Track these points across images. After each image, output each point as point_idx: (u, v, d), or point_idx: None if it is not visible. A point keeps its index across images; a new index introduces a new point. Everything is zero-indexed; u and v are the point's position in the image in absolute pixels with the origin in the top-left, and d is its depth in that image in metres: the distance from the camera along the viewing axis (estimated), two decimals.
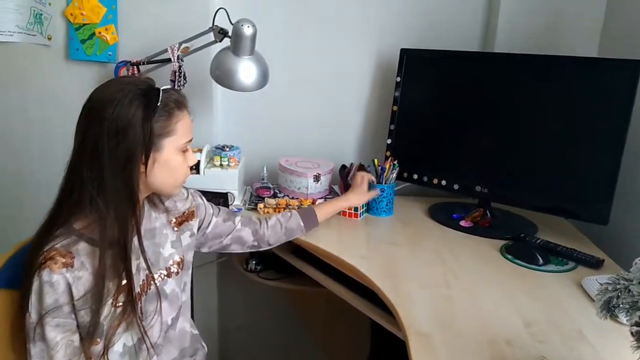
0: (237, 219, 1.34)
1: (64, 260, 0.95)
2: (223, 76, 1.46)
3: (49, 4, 1.72)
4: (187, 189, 1.26)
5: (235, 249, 1.35)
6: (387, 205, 1.63)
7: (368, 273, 1.25)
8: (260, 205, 1.62)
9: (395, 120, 1.73)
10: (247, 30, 1.40)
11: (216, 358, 2.07)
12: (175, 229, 1.19)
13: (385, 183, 1.62)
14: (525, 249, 1.37)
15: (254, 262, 1.74)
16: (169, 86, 1.09)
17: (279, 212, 1.61)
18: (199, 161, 1.63)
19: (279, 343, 2.10)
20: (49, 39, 1.75)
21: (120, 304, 1.02)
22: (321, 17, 1.80)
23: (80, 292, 0.96)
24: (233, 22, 1.44)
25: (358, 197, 1.56)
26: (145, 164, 0.99)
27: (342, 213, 1.58)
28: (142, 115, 0.96)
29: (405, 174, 1.71)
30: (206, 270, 1.93)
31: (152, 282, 1.10)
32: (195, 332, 1.29)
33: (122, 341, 1.06)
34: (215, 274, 1.97)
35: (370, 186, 1.59)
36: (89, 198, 0.97)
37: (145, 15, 1.71)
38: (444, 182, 1.64)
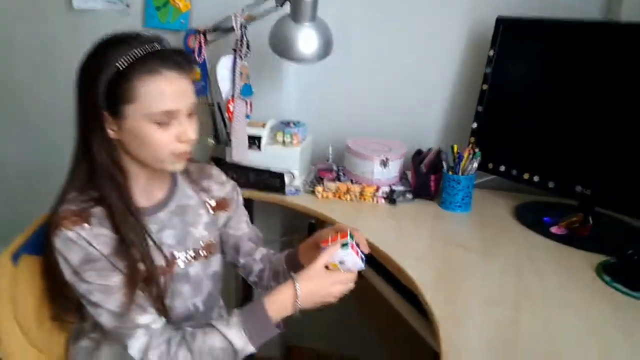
0: (260, 250, 1.18)
1: (77, 218, 0.89)
2: (280, 45, 1.32)
3: None
4: (229, 179, 1.17)
5: (241, 272, 1.20)
6: (463, 199, 1.40)
7: (418, 278, 1.06)
8: (319, 188, 1.48)
9: (483, 101, 1.47)
10: None
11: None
12: (211, 211, 1.10)
13: (462, 174, 1.39)
14: (630, 270, 1.07)
15: None
16: (163, 47, 0.92)
17: (339, 197, 1.46)
18: (255, 137, 1.53)
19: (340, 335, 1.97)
20: (127, 6, 1.74)
21: (141, 271, 0.93)
22: None
23: (108, 249, 0.90)
24: None
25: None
26: (110, 128, 0.91)
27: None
28: (102, 75, 0.87)
29: (491, 165, 1.45)
30: None
31: (175, 262, 1.02)
32: None
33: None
34: None
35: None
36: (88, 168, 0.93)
37: None
38: (536, 178, 1.36)
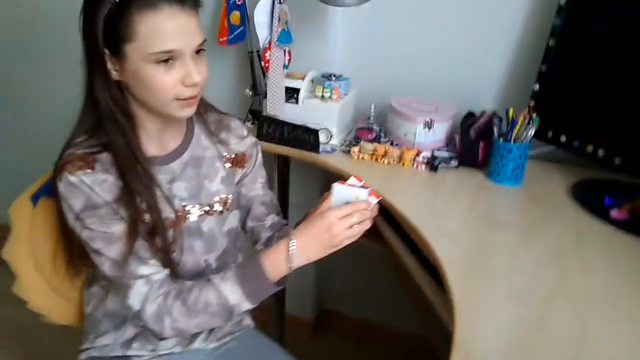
0: (271, 217, 1.11)
1: (81, 163, 0.87)
2: None
3: None
4: (250, 135, 1.10)
5: (249, 237, 1.14)
6: (513, 171, 1.25)
7: (444, 258, 0.96)
8: (355, 148, 1.38)
9: (548, 59, 1.28)
10: None
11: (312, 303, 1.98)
12: (228, 164, 1.05)
13: (514, 141, 1.23)
14: None
15: None
16: None
17: (375, 159, 1.36)
18: (293, 89, 1.44)
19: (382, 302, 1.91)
20: None
21: (147, 220, 0.91)
22: None
23: (112, 195, 0.88)
24: None
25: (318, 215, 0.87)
26: (106, 70, 0.86)
27: None
28: (98, 9, 0.82)
29: (550, 134, 1.28)
30: None
31: (187, 215, 0.98)
32: None
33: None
34: None
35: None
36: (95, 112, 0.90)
37: None
38: (600, 152, 1.18)
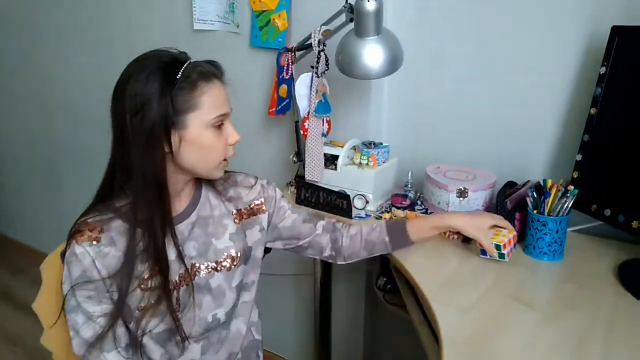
0: (321, 223, 1.18)
1: (90, 234, 0.93)
2: (345, 62, 1.26)
3: None
4: (258, 178, 1.15)
5: (312, 254, 1.20)
6: (549, 245, 1.16)
7: (447, 333, 0.90)
8: (386, 215, 1.37)
9: (591, 128, 1.21)
10: (369, 6, 1.17)
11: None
12: (237, 220, 1.10)
13: (549, 214, 1.16)
14: None
15: (384, 279, 1.50)
16: (202, 60, 0.98)
17: None
18: (334, 156, 1.48)
19: None
20: (238, 26, 1.84)
21: (150, 287, 0.97)
22: None
23: (109, 269, 0.93)
24: None
25: (470, 223, 1.13)
26: (170, 143, 0.92)
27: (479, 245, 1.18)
28: (159, 90, 0.89)
29: (594, 207, 1.19)
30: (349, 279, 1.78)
31: (196, 272, 1.03)
32: (257, 337, 1.18)
33: (158, 329, 1.02)
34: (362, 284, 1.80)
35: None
36: (124, 180, 0.95)
37: (316, 1, 1.62)
38: None
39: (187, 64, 0.93)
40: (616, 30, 1.16)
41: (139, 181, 0.92)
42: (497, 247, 1.11)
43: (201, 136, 0.94)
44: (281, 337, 2.11)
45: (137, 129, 0.90)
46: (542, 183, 1.20)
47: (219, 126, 0.96)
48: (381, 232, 1.16)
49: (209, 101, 0.93)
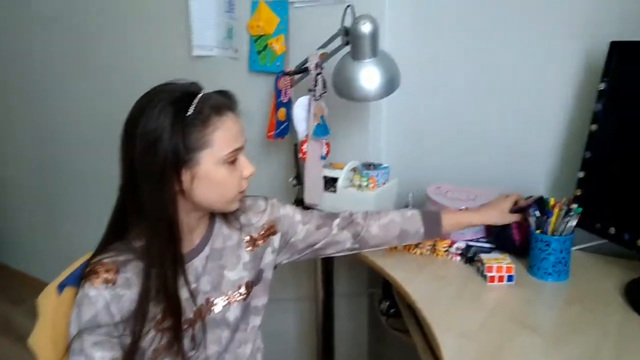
0: (336, 222, 1.15)
1: (106, 275, 0.89)
2: (341, 85, 1.26)
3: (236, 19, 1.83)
4: (267, 200, 1.13)
5: (332, 252, 1.17)
6: (554, 266, 1.13)
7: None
8: None
9: (593, 144, 1.19)
10: (364, 28, 1.17)
11: None
12: (250, 248, 1.07)
13: (552, 233, 1.13)
14: None
15: (387, 303, 1.47)
16: (213, 90, 0.95)
17: (407, 250, 1.32)
18: (333, 179, 1.47)
19: None
20: (236, 51, 1.85)
21: (164, 327, 0.94)
22: (506, 8, 1.38)
23: (122, 312, 0.90)
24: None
25: (500, 214, 1.21)
26: (181, 182, 0.89)
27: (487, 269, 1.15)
28: (170, 127, 0.86)
29: (598, 225, 1.16)
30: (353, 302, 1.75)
31: (211, 307, 1.01)
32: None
33: None
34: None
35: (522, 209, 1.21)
36: (134, 218, 0.93)
37: (314, 24, 1.62)
38: None
39: (199, 97, 0.89)
40: (615, 46, 1.15)
41: (150, 220, 0.90)
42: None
43: (214, 173, 0.91)
44: None
45: (148, 167, 0.87)
46: (546, 202, 1.18)
47: (233, 161, 0.93)
48: (417, 223, 1.16)
49: (221, 137, 0.90)
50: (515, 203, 1.23)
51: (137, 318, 0.90)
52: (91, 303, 0.89)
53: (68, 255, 0.95)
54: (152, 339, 0.93)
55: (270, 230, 1.10)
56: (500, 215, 1.21)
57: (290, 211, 1.14)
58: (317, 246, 1.14)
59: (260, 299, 1.11)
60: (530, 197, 1.30)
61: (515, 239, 1.22)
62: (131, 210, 0.93)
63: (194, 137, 0.88)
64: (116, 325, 0.90)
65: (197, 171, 0.90)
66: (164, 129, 0.86)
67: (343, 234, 1.15)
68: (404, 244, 1.22)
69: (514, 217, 1.22)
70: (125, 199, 0.94)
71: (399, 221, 1.16)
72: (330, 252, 1.17)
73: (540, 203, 1.18)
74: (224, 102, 0.93)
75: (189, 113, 0.87)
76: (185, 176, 0.89)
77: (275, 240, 1.10)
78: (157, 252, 0.90)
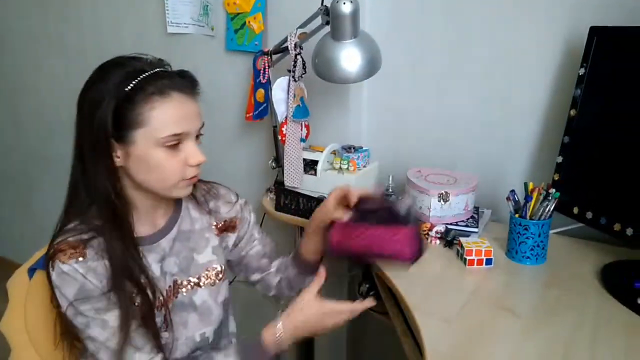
0: (276, 263, 1.15)
1: (73, 251, 0.87)
2: (322, 66, 1.23)
3: None
4: (237, 196, 1.11)
5: (259, 289, 1.18)
6: (532, 249, 1.15)
7: (430, 344, 0.88)
8: None
9: (571, 129, 1.20)
10: (345, 8, 1.14)
11: None
12: (217, 233, 1.06)
13: (531, 218, 1.14)
14: None
15: (367, 286, 1.47)
16: (170, 69, 0.92)
17: None
18: (314, 161, 1.45)
19: None
20: (212, 29, 1.80)
21: (137, 304, 0.92)
22: None
23: (104, 282, 0.88)
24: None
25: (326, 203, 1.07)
26: (117, 156, 0.89)
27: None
28: (107, 99, 0.85)
29: (576, 210, 1.18)
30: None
31: (178, 289, 0.99)
32: None
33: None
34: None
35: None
36: (88, 195, 0.91)
37: (293, 2, 1.58)
38: (629, 231, 1.06)
39: (147, 73, 0.86)
40: (595, 31, 1.15)
41: (96, 196, 0.89)
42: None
43: (149, 154, 0.88)
44: None
45: (87, 137, 0.88)
46: (525, 186, 1.18)
47: (174, 145, 0.89)
48: (291, 267, 1.15)
49: (159, 118, 0.86)
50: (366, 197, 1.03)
51: (117, 292, 0.89)
52: (70, 277, 0.87)
53: (43, 236, 0.92)
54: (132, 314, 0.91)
55: (230, 225, 1.09)
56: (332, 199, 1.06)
57: (251, 220, 1.13)
58: (251, 277, 1.16)
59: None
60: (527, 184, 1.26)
61: (333, 240, 1.03)
62: (82, 187, 0.92)
63: (131, 114, 0.86)
64: (103, 292, 0.88)
65: (132, 149, 0.88)
66: (103, 100, 0.85)
67: (276, 278, 1.16)
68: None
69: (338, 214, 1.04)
70: (76, 176, 0.93)
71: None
72: (258, 289, 1.18)
73: (513, 190, 1.18)
74: (173, 83, 0.88)
75: (127, 88, 0.85)
76: (120, 152, 0.88)
77: (231, 239, 1.10)
78: (109, 229, 0.89)
